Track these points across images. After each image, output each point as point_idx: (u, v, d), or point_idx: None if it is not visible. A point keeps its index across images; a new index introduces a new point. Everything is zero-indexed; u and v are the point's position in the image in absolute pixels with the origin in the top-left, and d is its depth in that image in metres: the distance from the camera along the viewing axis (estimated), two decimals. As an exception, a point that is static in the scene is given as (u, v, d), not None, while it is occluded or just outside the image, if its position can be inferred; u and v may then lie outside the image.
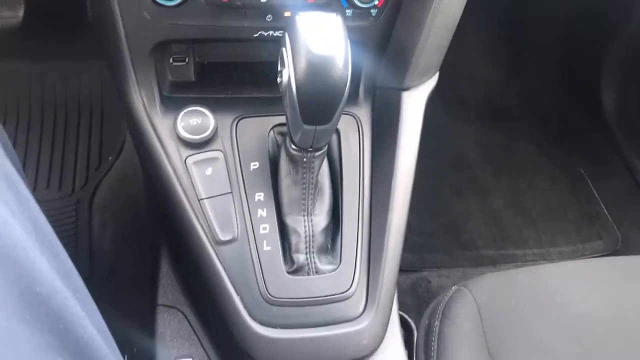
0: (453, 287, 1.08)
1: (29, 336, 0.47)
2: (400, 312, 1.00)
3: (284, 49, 0.75)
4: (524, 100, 2.16)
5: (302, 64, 0.71)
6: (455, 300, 1.04)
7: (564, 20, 2.05)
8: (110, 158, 1.68)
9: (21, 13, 1.60)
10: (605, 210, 1.94)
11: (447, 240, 1.78)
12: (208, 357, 0.93)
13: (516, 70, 2.18)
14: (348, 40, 0.73)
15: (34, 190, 1.60)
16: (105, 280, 1.31)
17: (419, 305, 1.17)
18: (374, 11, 0.92)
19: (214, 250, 0.86)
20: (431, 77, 0.99)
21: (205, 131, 0.90)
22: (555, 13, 2.03)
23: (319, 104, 0.75)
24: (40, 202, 0.57)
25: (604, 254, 1.81)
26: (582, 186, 2.01)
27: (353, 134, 0.97)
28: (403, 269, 1.67)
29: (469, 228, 1.83)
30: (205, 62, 1.02)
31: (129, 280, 1.24)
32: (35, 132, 1.74)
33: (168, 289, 1.04)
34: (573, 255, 1.81)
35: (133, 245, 1.31)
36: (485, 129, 2.07)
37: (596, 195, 1.99)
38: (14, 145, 0.70)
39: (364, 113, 0.99)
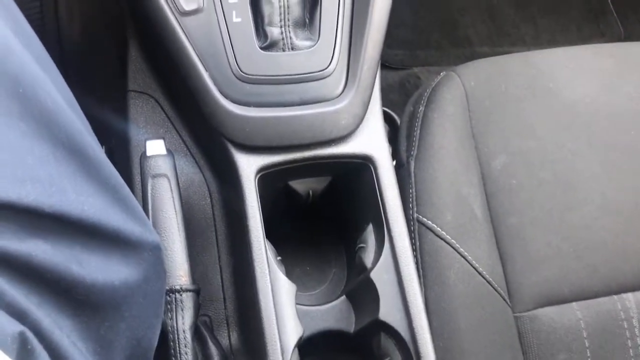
0: (442, 73, 1.02)
1: None
2: (384, 108, 0.95)
3: None
4: None
5: None
6: (442, 85, 0.99)
7: None
8: None
9: None
10: (611, 5, 1.82)
11: (440, 36, 1.68)
12: (182, 139, 0.90)
13: None
14: None
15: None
16: (76, 71, 1.24)
17: (405, 102, 1.12)
18: None
19: (178, 22, 0.78)
20: None
21: None
22: None
23: None
24: None
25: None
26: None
27: None
28: (392, 66, 1.60)
29: (464, 23, 1.72)
30: None
31: (100, 69, 1.18)
32: None
33: (138, 74, 0.97)
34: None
35: (102, 34, 1.22)
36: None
37: (603, -11, 1.85)
38: None
39: None
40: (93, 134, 0.56)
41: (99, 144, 0.56)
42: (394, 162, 0.90)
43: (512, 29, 1.74)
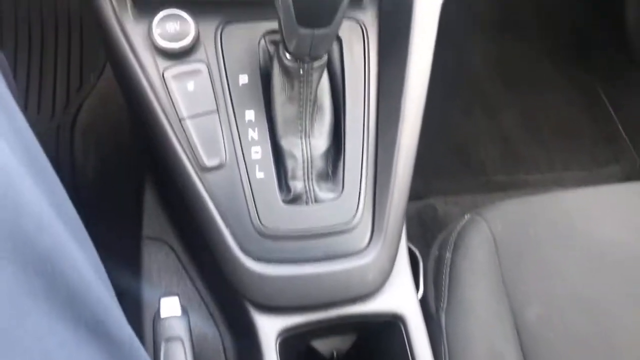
0: (466, 216, 0.99)
1: (10, 277, 0.41)
2: (407, 244, 0.91)
3: None
4: (537, 10, 1.99)
5: None
6: (469, 230, 0.96)
7: None
8: (91, 78, 1.54)
9: None
10: (622, 131, 1.83)
11: (454, 163, 1.67)
12: (196, 288, 0.85)
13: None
14: None
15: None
16: (89, 211, 1.21)
17: (424, 235, 1.09)
18: None
19: (199, 178, 0.76)
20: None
21: (184, 38, 0.77)
22: None
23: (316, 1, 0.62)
24: None
25: (621, 178, 1.72)
26: (599, 105, 1.88)
27: (357, 42, 0.85)
28: (408, 196, 1.58)
29: (477, 150, 1.72)
30: None
31: (114, 211, 1.15)
32: (9, 51, 1.60)
33: (153, 219, 0.94)
34: (588, 180, 1.71)
35: (117, 173, 1.20)
36: (495, 42, 1.91)
37: (613, 115, 1.87)
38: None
39: (369, 18, 0.86)
40: (116, 302, 0.54)
41: (123, 315, 0.54)
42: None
43: (526, 155, 1.74)
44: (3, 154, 0.44)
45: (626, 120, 1.83)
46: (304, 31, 0.65)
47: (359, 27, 0.85)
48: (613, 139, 1.81)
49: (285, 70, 0.75)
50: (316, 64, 0.73)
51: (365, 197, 0.79)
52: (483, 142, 1.72)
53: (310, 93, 0.76)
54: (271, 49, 0.82)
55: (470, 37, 1.87)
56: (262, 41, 0.82)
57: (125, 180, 1.13)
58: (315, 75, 0.75)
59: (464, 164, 1.68)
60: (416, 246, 1.06)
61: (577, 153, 1.77)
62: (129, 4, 0.79)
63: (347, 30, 0.84)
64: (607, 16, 1.93)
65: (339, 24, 0.66)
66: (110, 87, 1.48)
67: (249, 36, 0.81)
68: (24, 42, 1.62)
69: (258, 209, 0.76)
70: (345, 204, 0.78)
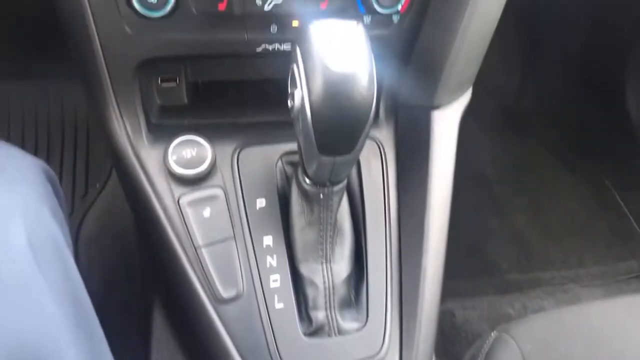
0: (493, 334, 0.93)
1: None
2: None
3: (294, 66, 0.61)
4: (541, 107, 2.02)
5: (318, 84, 0.57)
6: (497, 350, 0.90)
7: (582, 20, 1.91)
8: (97, 185, 1.53)
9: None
10: (635, 225, 1.80)
11: (468, 264, 1.63)
12: None
13: (532, 75, 2.04)
14: (372, 53, 0.59)
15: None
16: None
17: (444, 344, 1.03)
18: (396, 17, 0.77)
19: (215, 310, 0.72)
20: (465, 92, 0.85)
21: (201, 164, 0.75)
22: (572, 13, 1.90)
23: (339, 131, 0.61)
24: None
25: (639, 273, 1.67)
26: (609, 199, 1.86)
27: (375, 160, 0.83)
28: (422, 300, 1.52)
29: (490, 249, 1.68)
30: (199, 81, 0.87)
31: (120, 333, 1.09)
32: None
33: (162, 345, 0.89)
34: (605, 278, 1.66)
35: (123, 290, 1.16)
36: (501, 139, 1.92)
37: (624, 208, 1.84)
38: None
39: (386, 136, 0.85)
40: None
41: None
42: None
43: (539, 252, 1.70)
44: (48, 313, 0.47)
45: (638, 215, 1.80)
46: (325, 158, 0.64)
47: (376, 145, 0.84)
48: (627, 234, 1.78)
49: (305, 195, 0.72)
50: (336, 187, 0.71)
51: (391, 326, 0.75)
52: (495, 241, 1.69)
53: (331, 217, 0.73)
54: (289, 170, 0.81)
55: (476, 136, 1.88)
56: (279, 163, 0.81)
57: (132, 298, 1.09)
58: (335, 199, 0.72)
59: (477, 264, 1.64)
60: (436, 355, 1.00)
61: (592, 249, 1.73)
62: (143, 130, 0.78)
63: (365, 149, 0.82)
64: (610, 108, 1.96)
65: (361, 149, 0.65)
66: (116, 195, 1.45)
67: (265, 158, 0.80)
68: (30, 147, 1.61)
69: (278, 342, 0.71)
70: (370, 334, 0.74)
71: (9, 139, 1.61)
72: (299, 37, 0.61)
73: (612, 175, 1.89)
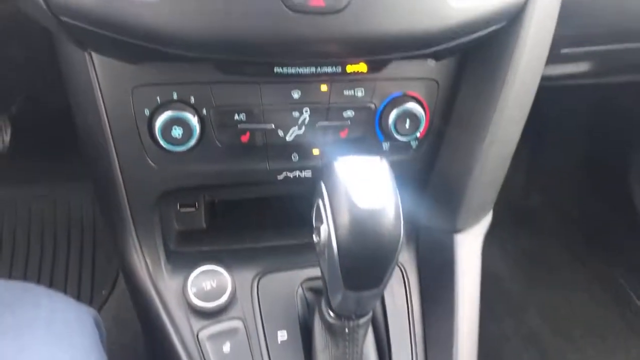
0: None
1: None
2: None
3: (320, 201, 0.60)
4: (548, 202, 2.02)
5: (345, 220, 0.57)
6: None
7: (585, 113, 1.94)
8: (103, 292, 1.49)
9: (7, 138, 1.47)
10: (653, 325, 1.75)
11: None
12: None
13: (538, 169, 2.05)
14: (397, 189, 0.59)
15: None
16: None
17: None
18: (414, 143, 0.78)
19: None
20: (487, 213, 0.85)
21: (221, 296, 0.73)
22: (576, 105, 1.93)
23: (366, 266, 0.60)
24: None
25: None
26: (624, 296, 1.82)
27: (398, 286, 0.81)
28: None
29: (507, 353, 1.62)
30: (216, 200, 0.87)
31: None
32: (20, 263, 1.56)
33: None
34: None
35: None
36: (511, 236, 1.90)
37: (638, 304, 1.80)
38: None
39: (408, 260, 0.83)
40: None
41: None
42: None
43: (557, 356, 1.64)
44: None
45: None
46: (351, 293, 0.62)
47: (399, 270, 0.82)
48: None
49: (329, 328, 0.70)
50: (362, 320, 0.69)
51: None
52: (511, 344, 1.64)
53: (357, 352, 0.70)
54: (309, 296, 0.78)
55: (488, 234, 1.86)
56: (300, 290, 0.78)
57: None
58: (361, 332, 0.70)
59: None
60: None
61: (610, 350, 1.68)
62: (162, 260, 0.76)
63: None
64: (616, 198, 1.95)
65: (388, 282, 0.63)
66: (122, 305, 1.42)
67: (286, 286, 0.78)
68: (35, 250, 1.59)
69: None
70: None
71: (14, 244, 1.60)
72: (324, 173, 0.61)
73: (624, 271, 1.86)
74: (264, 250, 0.81)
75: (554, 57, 0.78)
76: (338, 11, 0.56)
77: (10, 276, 1.52)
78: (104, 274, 1.54)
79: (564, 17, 0.73)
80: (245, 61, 0.63)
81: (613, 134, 1.91)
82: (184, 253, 0.78)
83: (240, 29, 0.55)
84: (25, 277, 1.53)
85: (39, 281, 1.53)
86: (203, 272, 0.74)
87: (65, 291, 1.50)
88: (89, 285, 1.52)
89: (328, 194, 0.59)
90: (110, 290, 1.49)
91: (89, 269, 1.55)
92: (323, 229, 0.60)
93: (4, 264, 1.54)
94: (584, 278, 1.86)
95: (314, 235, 0.63)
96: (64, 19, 0.56)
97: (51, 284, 1.51)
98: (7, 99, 1.29)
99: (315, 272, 0.77)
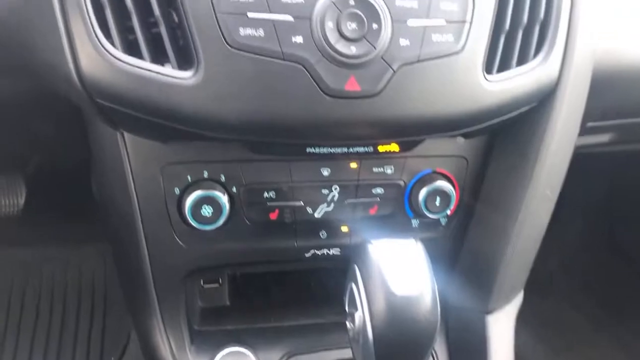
0: None
1: None
2: None
3: (353, 286, 0.59)
4: (567, 269, 1.98)
5: (382, 308, 0.55)
6: None
7: (601, 177, 1.93)
8: (112, 359, 1.45)
9: (22, 201, 1.46)
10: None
11: None
12: None
13: (553, 233, 2.03)
14: (433, 274, 0.58)
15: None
16: None
17: None
18: (444, 220, 0.77)
19: None
20: (518, 294, 0.82)
21: None
22: (590, 170, 1.92)
23: (402, 353, 0.58)
24: None
25: None
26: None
27: None
28: None
29: None
30: (238, 274, 0.85)
31: None
32: (28, 325, 1.53)
33: None
34: None
35: None
36: (531, 305, 1.86)
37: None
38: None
39: (438, 341, 0.80)
40: None
41: None
42: None
43: None
44: None
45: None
46: None
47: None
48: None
49: None
50: None
51: None
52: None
53: None
54: None
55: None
56: None
57: None
58: None
59: None
60: None
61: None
62: (186, 341, 0.74)
63: None
64: (629, 260, 1.92)
65: None
66: (134, 374, 1.38)
67: None
68: (45, 313, 1.56)
69: None
70: None
71: (23, 305, 1.57)
72: (357, 256, 0.59)
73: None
74: (290, 329, 0.79)
75: (580, 130, 0.78)
76: (374, 95, 0.56)
77: (17, 341, 1.49)
78: (113, 340, 1.50)
79: (593, 92, 0.73)
80: (280, 143, 0.62)
81: (632, 197, 1.90)
82: (208, 332, 0.76)
83: (277, 113, 0.55)
84: (33, 340, 1.49)
85: (47, 345, 1.49)
86: (229, 353, 0.71)
87: (73, 356, 1.46)
88: (98, 350, 1.48)
89: (363, 279, 0.58)
90: (120, 357, 1.45)
91: (98, 334, 1.52)
92: (358, 315, 0.58)
93: (13, 325, 1.50)
94: (609, 351, 1.81)
95: (347, 322, 0.61)
96: (100, 100, 0.56)
97: (59, 348, 1.48)
98: (23, 157, 1.29)
99: (344, 353, 0.75)
